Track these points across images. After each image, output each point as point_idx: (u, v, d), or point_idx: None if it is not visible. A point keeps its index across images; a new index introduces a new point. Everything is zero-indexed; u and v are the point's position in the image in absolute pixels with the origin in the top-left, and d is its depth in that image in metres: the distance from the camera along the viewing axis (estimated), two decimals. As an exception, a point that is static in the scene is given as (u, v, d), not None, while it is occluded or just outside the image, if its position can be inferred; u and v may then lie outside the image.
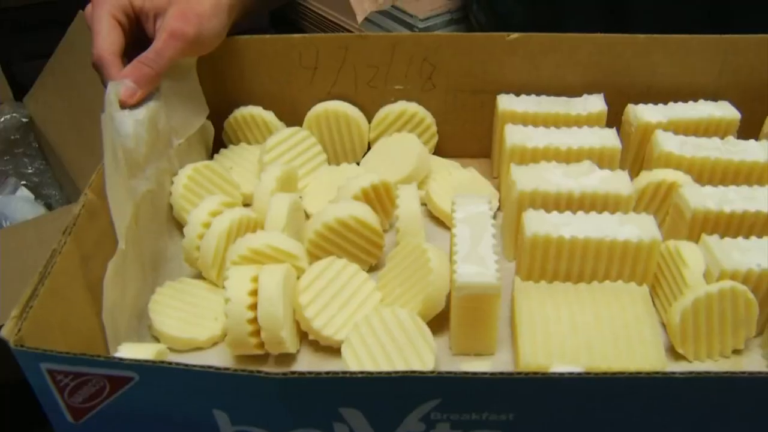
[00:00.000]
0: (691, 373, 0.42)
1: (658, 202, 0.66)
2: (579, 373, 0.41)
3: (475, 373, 0.42)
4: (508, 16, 0.96)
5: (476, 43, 0.73)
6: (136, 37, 0.65)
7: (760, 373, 0.42)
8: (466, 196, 0.62)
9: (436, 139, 0.76)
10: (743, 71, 0.73)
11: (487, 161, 0.78)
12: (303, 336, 0.60)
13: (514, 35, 0.72)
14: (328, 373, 0.42)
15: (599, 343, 0.55)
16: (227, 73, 0.75)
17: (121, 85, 0.60)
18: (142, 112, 0.62)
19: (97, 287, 0.55)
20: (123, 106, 0.61)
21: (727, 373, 0.42)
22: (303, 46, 0.73)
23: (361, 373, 0.42)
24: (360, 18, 1.39)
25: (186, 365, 0.43)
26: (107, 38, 0.62)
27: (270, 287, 0.56)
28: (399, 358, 0.54)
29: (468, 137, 0.77)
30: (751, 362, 0.58)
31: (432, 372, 0.42)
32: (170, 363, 0.44)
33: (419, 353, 0.55)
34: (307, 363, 0.59)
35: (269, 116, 0.75)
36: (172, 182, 0.67)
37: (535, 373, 0.42)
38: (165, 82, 0.66)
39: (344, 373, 0.42)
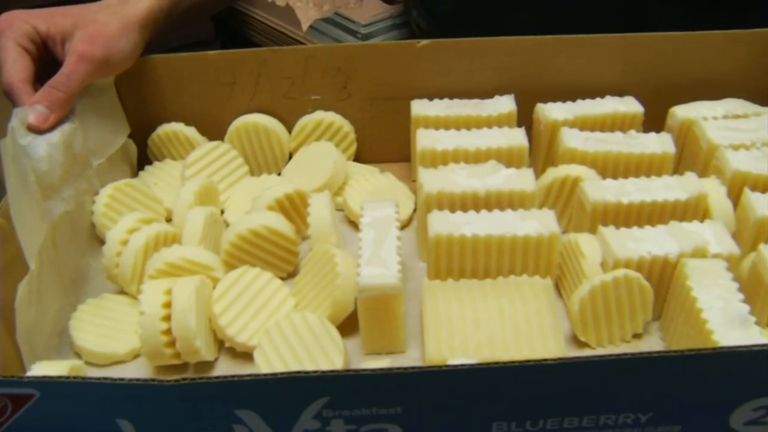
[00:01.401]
0: (573, 358, 0.44)
1: (565, 197, 0.68)
2: (454, 365, 0.43)
3: (356, 371, 0.44)
4: (446, 21, 0.99)
5: (387, 51, 0.75)
6: (45, 61, 0.67)
7: (642, 353, 0.44)
8: (373, 202, 0.64)
9: (354, 146, 0.78)
10: (646, 68, 0.76)
11: (407, 165, 0.80)
12: (221, 344, 0.62)
13: (424, 42, 0.74)
14: (218, 377, 0.44)
15: (501, 337, 0.57)
16: (148, 91, 0.76)
17: (26, 110, 0.61)
18: (56, 136, 0.64)
19: (11, 310, 0.56)
20: (37, 130, 0.62)
21: (612, 355, 0.43)
22: (220, 62, 0.75)
23: (249, 375, 0.44)
24: (305, 26, 1.41)
25: (84, 378, 0.45)
26: (15, 66, 0.63)
27: (182, 298, 0.58)
28: (309, 360, 0.56)
29: (387, 143, 0.79)
30: (651, 345, 0.61)
31: (315, 372, 0.44)
32: (68, 377, 0.45)
33: (328, 355, 0.57)
34: (225, 369, 0.61)
35: (191, 132, 0.77)
36: (93, 201, 0.69)
37: (411, 367, 0.44)
38: (81, 103, 0.67)
39: (233, 376, 0.44)
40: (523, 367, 0.44)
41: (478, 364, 0.44)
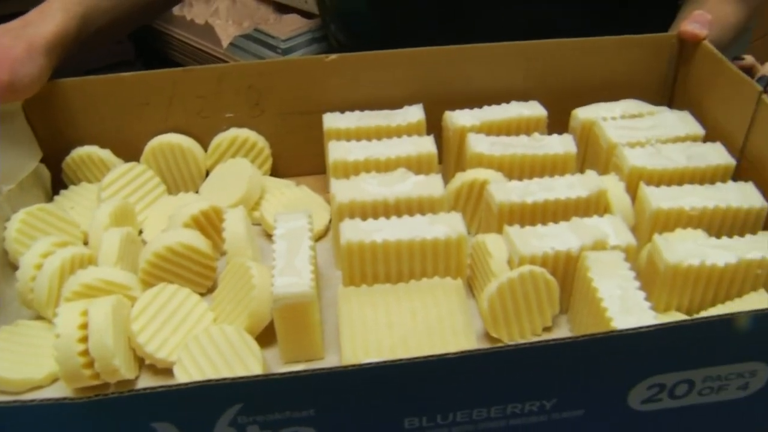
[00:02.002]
0: (476, 351, 0.46)
1: (474, 200, 0.71)
2: (360, 364, 0.45)
3: (266, 375, 0.45)
4: (363, 35, 1.01)
5: (297, 67, 0.76)
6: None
7: (540, 342, 0.46)
8: (286, 214, 0.65)
9: (270, 161, 0.80)
10: (547, 73, 0.79)
11: (323, 177, 0.81)
12: (142, 361, 0.62)
13: (332, 57, 0.76)
14: (131, 391, 0.45)
15: (414, 337, 0.59)
16: (60, 115, 0.76)
17: None
18: (-39, 162, 0.64)
19: None
20: None
21: (512, 345, 0.45)
22: (133, 83, 0.76)
23: (161, 387, 0.44)
24: (225, 44, 1.42)
25: (-9, 403, 0.45)
26: None
27: (98, 318, 0.58)
28: (227, 371, 0.57)
29: (302, 156, 0.80)
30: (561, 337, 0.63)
31: (226, 379, 0.45)
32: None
33: (246, 364, 0.58)
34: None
35: (106, 154, 0.77)
36: (4, 228, 0.69)
37: (321, 369, 0.45)
38: (-12, 130, 0.67)
39: (146, 389, 0.45)
40: (429, 362, 0.46)
41: (385, 361, 0.46)
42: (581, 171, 0.77)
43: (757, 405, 0.53)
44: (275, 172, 0.81)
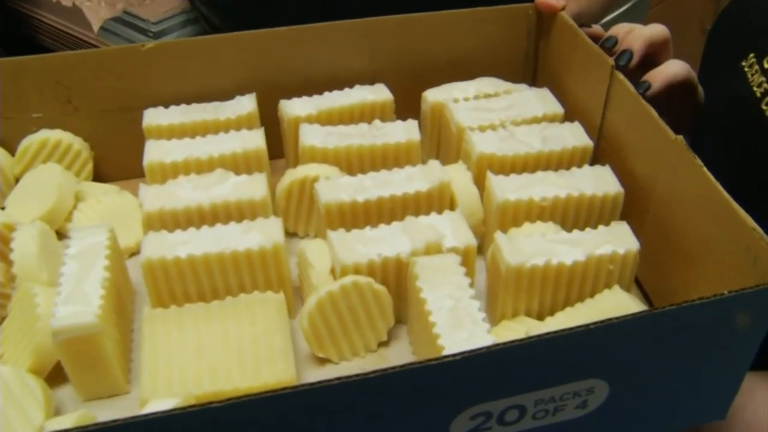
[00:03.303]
0: (288, 387, 0.38)
1: (308, 200, 0.63)
2: (129, 418, 0.37)
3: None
4: (234, 14, 0.93)
5: (110, 58, 0.68)
6: None
7: (341, 378, 0.39)
8: (83, 229, 0.57)
9: (90, 164, 0.71)
10: (394, 52, 0.72)
11: (154, 180, 0.73)
12: None
13: (150, 45, 0.67)
14: None
15: (225, 365, 0.52)
16: None
17: None
18: None
19: None
20: None
21: (305, 385, 0.38)
22: None
23: None
24: (96, 27, 1.31)
25: None
26: None
27: None
28: (5, 426, 0.49)
29: (127, 158, 0.71)
30: (399, 352, 0.56)
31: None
32: None
33: (26, 414, 0.49)
34: None
35: None
36: None
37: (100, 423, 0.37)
38: None
39: None
40: (202, 411, 0.38)
41: (152, 414, 0.38)
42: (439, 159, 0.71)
43: (599, 423, 0.47)
44: (98, 177, 0.72)
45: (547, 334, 0.41)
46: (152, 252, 0.54)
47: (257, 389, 0.50)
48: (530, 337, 0.41)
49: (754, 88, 0.59)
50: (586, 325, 0.41)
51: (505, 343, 0.41)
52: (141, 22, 1.27)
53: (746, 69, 0.61)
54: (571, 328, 0.41)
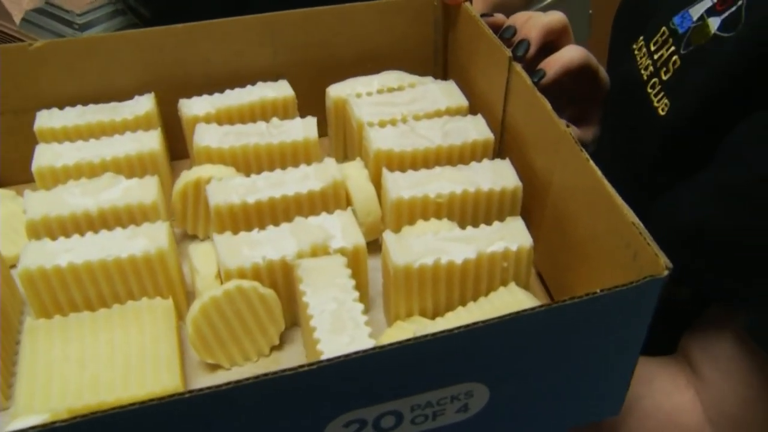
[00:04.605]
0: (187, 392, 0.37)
1: (204, 201, 0.61)
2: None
3: None
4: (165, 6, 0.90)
5: (-4, 58, 0.65)
6: None
7: (211, 388, 0.37)
8: (-39, 237, 0.55)
9: (-15, 171, 0.69)
10: (298, 48, 0.70)
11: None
12: None
13: (38, 43, 0.65)
14: None
15: (108, 376, 0.50)
16: None
17: None
18: None
19: None
20: None
21: (182, 393, 0.37)
22: None
23: None
24: (18, 18, 1.28)
25: None
26: None
27: None
28: None
29: (21, 162, 0.68)
30: (291, 356, 0.55)
31: None
32: None
33: None
34: None
35: None
36: None
37: None
38: None
39: None
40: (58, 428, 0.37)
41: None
42: (342, 157, 0.70)
43: (483, 426, 0.46)
44: (-3, 182, 0.70)
45: (414, 338, 0.40)
46: (30, 261, 0.52)
47: (140, 399, 0.49)
48: (397, 342, 0.40)
49: (641, 71, 0.59)
50: (459, 328, 0.40)
51: (375, 348, 0.40)
52: (65, 14, 1.24)
53: (636, 51, 0.60)
54: (442, 332, 0.40)
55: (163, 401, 0.37)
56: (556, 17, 0.63)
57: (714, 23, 0.54)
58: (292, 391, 0.40)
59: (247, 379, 0.38)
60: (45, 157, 0.62)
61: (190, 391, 0.38)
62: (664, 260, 0.42)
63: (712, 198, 0.51)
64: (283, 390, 0.40)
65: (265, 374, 0.38)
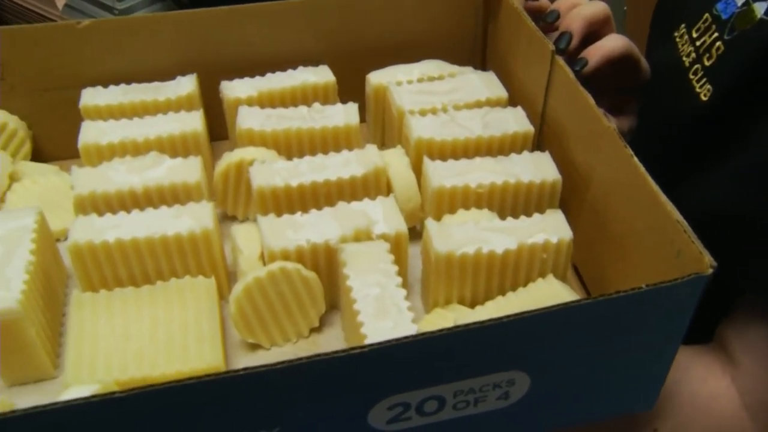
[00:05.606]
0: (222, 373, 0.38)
1: (246, 185, 0.62)
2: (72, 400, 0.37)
3: None
4: None
5: (45, 34, 0.66)
6: None
7: (259, 367, 0.38)
8: (10, 212, 0.56)
9: (29, 144, 0.69)
10: (337, 34, 0.71)
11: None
12: None
13: (86, 22, 0.66)
14: None
15: (152, 350, 0.51)
16: None
17: None
18: None
19: None
20: None
21: (226, 372, 0.38)
22: None
23: None
24: (60, 4, 1.29)
25: None
26: None
27: None
28: None
29: (67, 137, 0.69)
30: (329, 339, 0.56)
31: None
32: None
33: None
34: None
35: None
36: None
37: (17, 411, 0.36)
38: None
39: None
40: (110, 400, 0.38)
41: (74, 400, 0.37)
42: (380, 144, 0.70)
43: (520, 414, 0.47)
44: (38, 157, 0.71)
45: (461, 326, 0.40)
46: (79, 236, 0.53)
47: (184, 375, 0.50)
48: (444, 329, 0.41)
49: (683, 58, 0.59)
50: (505, 317, 0.41)
51: (422, 335, 0.41)
52: (106, 0, 1.25)
53: (678, 39, 0.61)
54: (488, 320, 0.41)
55: (219, 376, 0.38)
56: (599, 8, 0.63)
57: (761, 8, 0.55)
58: (341, 373, 0.41)
59: (300, 359, 0.39)
60: (91, 134, 0.63)
61: (245, 369, 0.38)
62: (708, 258, 0.43)
63: (742, 181, 0.52)
64: (332, 371, 0.41)
65: (317, 355, 0.39)
